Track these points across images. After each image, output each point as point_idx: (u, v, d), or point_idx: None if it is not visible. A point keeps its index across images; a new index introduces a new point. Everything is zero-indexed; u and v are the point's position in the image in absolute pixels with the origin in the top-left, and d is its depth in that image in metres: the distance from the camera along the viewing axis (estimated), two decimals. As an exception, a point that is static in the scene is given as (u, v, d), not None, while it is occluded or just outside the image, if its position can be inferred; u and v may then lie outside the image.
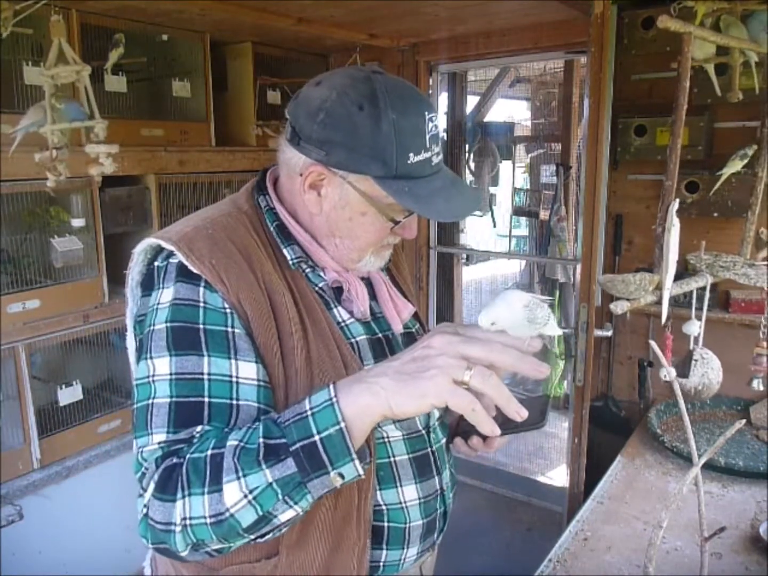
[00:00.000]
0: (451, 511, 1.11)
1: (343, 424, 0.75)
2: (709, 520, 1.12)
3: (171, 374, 0.84)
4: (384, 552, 0.99)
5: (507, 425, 0.95)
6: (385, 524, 0.98)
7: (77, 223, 1.98)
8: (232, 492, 0.75)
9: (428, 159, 0.92)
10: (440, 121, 0.98)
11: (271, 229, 0.98)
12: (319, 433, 0.75)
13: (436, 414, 1.07)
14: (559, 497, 2.36)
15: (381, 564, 0.99)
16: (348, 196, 0.93)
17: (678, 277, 1.25)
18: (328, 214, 0.96)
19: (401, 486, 0.99)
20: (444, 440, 1.07)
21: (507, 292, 0.82)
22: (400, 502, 0.99)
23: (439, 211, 0.94)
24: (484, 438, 0.98)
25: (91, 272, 2.03)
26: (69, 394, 1.99)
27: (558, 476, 3.15)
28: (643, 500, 1.59)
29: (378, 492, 0.97)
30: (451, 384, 0.75)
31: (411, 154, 0.89)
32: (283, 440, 0.76)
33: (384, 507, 0.98)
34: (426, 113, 0.91)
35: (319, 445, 0.75)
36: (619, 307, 1.18)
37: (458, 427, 1.04)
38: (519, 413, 0.76)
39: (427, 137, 0.91)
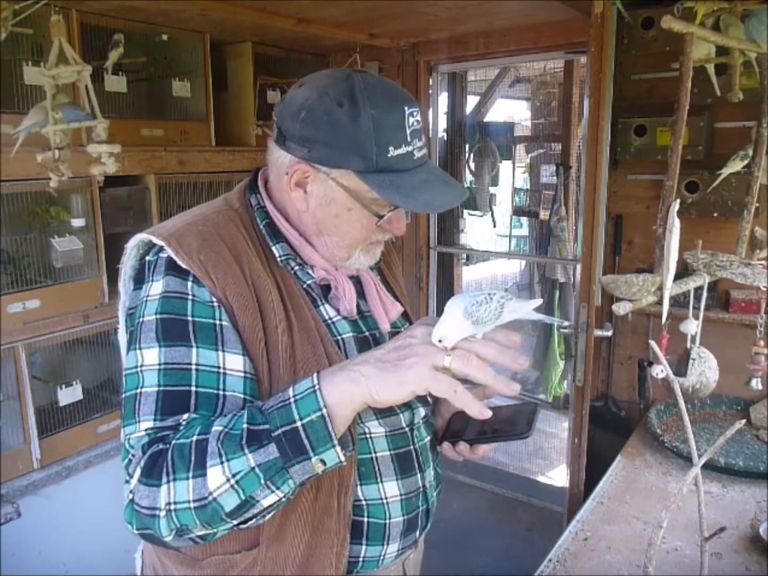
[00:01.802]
0: (435, 510, 1.11)
1: (324, 411, 0.77)
2: (709, 520, 1.12)
3: (159, 364, 0.85)
4: (363, 547, 0.99)
5: (492, 434, 0.97)
6: (365, 519, 0.99)
7: (77, 223, 1.98)
8: (216, 476, 0.77)
9: (410, 153, 0.93)
10: (422, 117, 0.98)
11: (261, 226, 1.00)
12: (301, 419, 0.77)
13: (422, 412, 1.07)
14: (559, 497, 2.36)
15: (360, 559, 1.00)
16: (333, 193, 0.95)
17: (677, 276, 1.25)
18: (314, 211, 0.97)
19: (382, 482, 0.99)
20: (428, 438, 1.08)
21: (448, 304, 0.83)
22: (381, 498, 0.99)
23: (422, 202, 0.94)
24: (471, 444, 1.00)
25: (91, 272, 2.04)
26: (69, 394, 2.00)
27: (558, 476, 3.15)
28: (643, 500, 1.59)
29: (358, 487, 0.97)
30: (431, 370, 0.78)
31: (391, 148, 0.91)
32: (266, 426, 0.78)
33: (364, 502, 0.98)
34: (406, 108, 0.92)
35: (301, 431, 0.77)
36: (621, 308, 1.18)
37: (446, 432, 1.05)
38: (509, 388, 0.79)
39: (408, 131, 0.92)
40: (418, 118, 0.95)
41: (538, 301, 0.88)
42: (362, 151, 0.90)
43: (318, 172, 0.94)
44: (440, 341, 0.80)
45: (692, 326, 1.29)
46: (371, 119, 0.89)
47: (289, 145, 0.94)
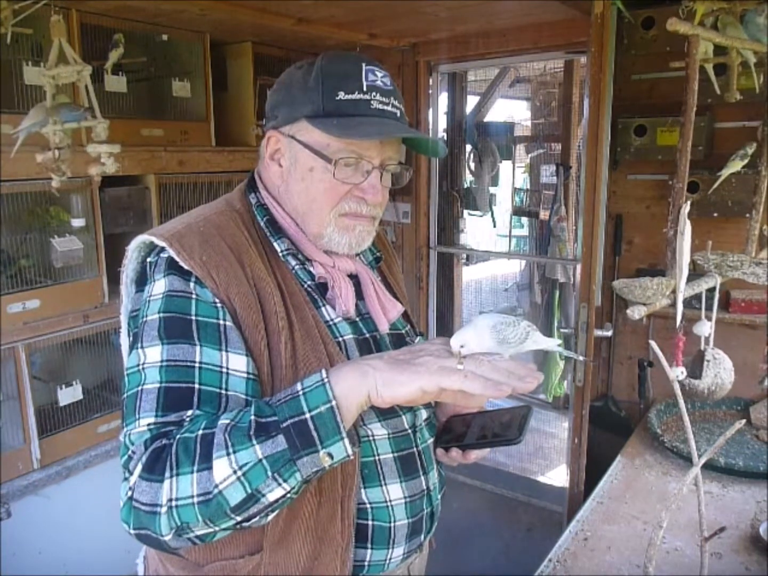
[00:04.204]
0: (439, 512, 1.10)
1: (333, 402, 0.77)
2: (709, 520, 1.12)
3: (162, 361, 0.85)
4: (369, 551, 0.99)
5: (490, 438, 0.97)
6: (370, 523, 0.98)
7: (77, 223, 1.98)
8: (222, 468, 0.76)
9: (365, 101, 0.94)
10: (389, 79, 0.99)
11: (262, 224, 1.01)
12: (310, 411, 0.77)
13: (424, 414, 1.06)
14: (559, 497, 2.36)
15: (366, 563, 0.99)
16: (296, 153, 0.97)
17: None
18: (288, 182, 1.00)
19: (386, 484, 0.99)
20: (431, 440, 1.07)
21: (479, 316, 0.86)
22: (385, 501, 0.99)
23: (363, 133, 0.94)
24: (463, 450, 1.01)
25: (91, 272, 2.04)
26: (69, 394, 1.99)
27: (558, 476, 3.15)
28: (643, 500, 1.59)
29: (362, 490, 0.97)
30: (441, 367, 0.79)
31: (341, 93, 0.94)
32: (275, 418, 0.77)
33: (368, 505, 0.98)
34: (363, 64, 0.96)
35: (309, 423, 0.76)
36: (636, 312, 1.17)
37: (441, 437, 1.05)
38: (524, 384, 0.78)
39: (364, 83, 0.95)
40: (384, 80, 0.97)
41: (558, 341, 0.92)
42: (312, 97, 0.94)
43: (284, 136, 0.98)
44: (462, 346, 0.81)
45: (705, 328, 1.28)
46: (321, 69, 0.95)
47: (266, 123, 1.00)
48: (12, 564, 1.86)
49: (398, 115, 0.98)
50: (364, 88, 0.94)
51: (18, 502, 1.86)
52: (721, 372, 1.28)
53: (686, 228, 1.16)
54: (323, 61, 0.96)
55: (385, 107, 0.96)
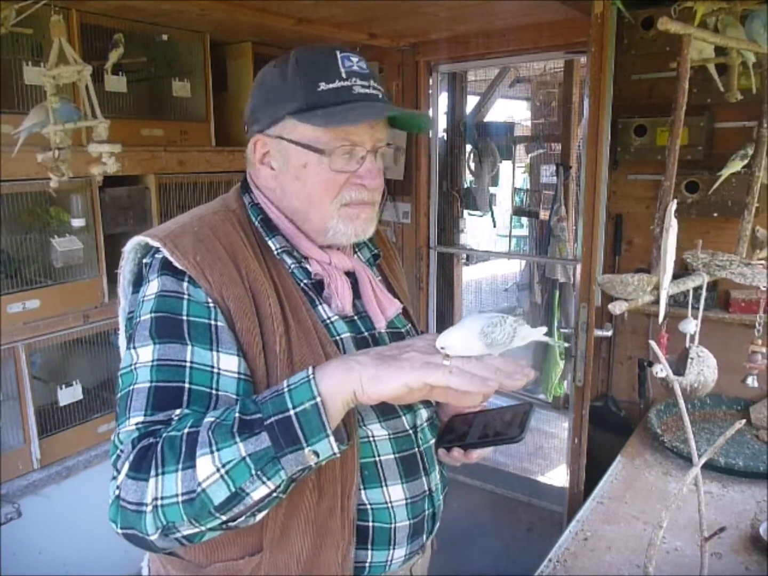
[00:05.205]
0: (441, 513, 1.09)
1: (318, 399, 0.76)
2: (709, 520, 1.12)
3: (153, 361, 0.85)
4: (369, 552, 0.98)
5: (491, 437, 0.97)
6: (370, 524, 0.97)
7: (77, 223, 1.98)
8: (205, 466, 0.75)
9: (347, 87, 0.94)
10: (365, 63, 0.98)
11: (256, 223, 1.00)
12: (294, 407, 0.76)
13: (424, 414, 1.05)
14: (559, 497, 2.36)
15: (366, 564, 0.98)
16: (287, 153, 0.96)
17: (676, 276, 1.25)
18: (282, 184, 0.99)
19: (387, 486, 0.98)
20: (433, 441, 1.06)
21: (467, 317, 0.84)
22: (386, 502, 0.98)
23: (353, 118, 0.93)
24: (465, 449, 1.00)
25: (91, 272, 2.04)
26: (69, 394, 2.00)
27: (558, 476, 3.15)
28: (643, 500, 1.59)
29: (363, 491, 0.96)
30: (425, 362, 0.77)
31: (322, 83, 0.93)
32: (259, 415, 0.76)
33: (369, 506, 0.97)
34: (337, 52, 0.95)
35: (294, 420, 0.75)
36: (617, 308, 1.18)
37: (443, 438, 1.05)
38: (512, 380, 0.77)
39: (342, 70, 0.94)
40: (361, 64, 0.97)
41: (544, 329, 0.90)
42: (292, 93, 0.93)
43: (270, 138, 0.97)
44: (443, 348, 0.79)
45: (691, 326, 1.28)
46: (297, 63, 0.94)
47: (248, 129, 1.00)
48: (12, 564, 1.86)
49: (380, 96, 0.98)
50: (344, 75, 0.93)
51: (18, 501, 1.86)
52: (704, 370, 1.28)
53: (672, 226, 1.17)
54: (297, 55, 0.96)
55: (367, 90, 0.95)
